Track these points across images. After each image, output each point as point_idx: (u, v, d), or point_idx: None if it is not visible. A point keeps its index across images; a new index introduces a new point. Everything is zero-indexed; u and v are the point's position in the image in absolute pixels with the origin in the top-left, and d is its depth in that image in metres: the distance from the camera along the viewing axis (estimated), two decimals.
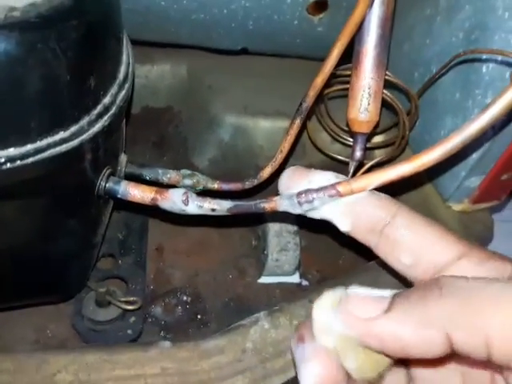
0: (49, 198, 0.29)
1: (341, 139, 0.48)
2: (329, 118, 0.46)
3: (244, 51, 0.57)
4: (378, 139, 0.49)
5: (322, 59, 0.58)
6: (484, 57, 0.40)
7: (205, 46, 0.56)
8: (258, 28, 0.52)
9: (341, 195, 0.32)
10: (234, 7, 0.50)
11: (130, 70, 0.34)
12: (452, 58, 0.37)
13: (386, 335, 0.21)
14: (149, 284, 0.46)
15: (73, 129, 0.27)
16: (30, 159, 0.26)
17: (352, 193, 0.32)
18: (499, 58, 0.37)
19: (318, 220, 0.32)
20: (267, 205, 0.34)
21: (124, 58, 0.34)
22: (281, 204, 0.33)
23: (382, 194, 0.31)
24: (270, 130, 0.52)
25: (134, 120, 0.57)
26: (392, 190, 0.37)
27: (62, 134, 0.27)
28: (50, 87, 0.25)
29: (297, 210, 0.33)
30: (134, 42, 0.54)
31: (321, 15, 0.53)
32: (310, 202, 0.32)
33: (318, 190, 0.32)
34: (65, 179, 0.29)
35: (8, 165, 0.25)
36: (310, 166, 0.56)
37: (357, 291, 0.25)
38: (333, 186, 0.32)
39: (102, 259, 0.45)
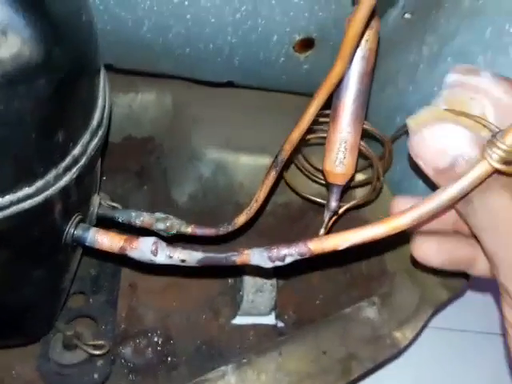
0: (13, 250, 0.28)
1: (317, 179, 0.48)
2: (305, 161, 0.46)
3: (229, 84, 0.57)
4: (357, 177, 0.49)
5: (307, 94, 0.59)
6: None
7: (190, 78, 0.56)
8: (243, 64, 0.52)
9: (312, 253, 0.32)
10: (220, 43, 0.50)
11: (106, 113, 0.33)
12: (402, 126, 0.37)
13: None
14: (120, 323, 0.45)
15: (38, 184, 0.27)
16: None
17: (323, 251, 0.31)
18: None
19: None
20: (238, 258, 0.33)
21: (99, 102, 0.33)
22: (252, 258, 0.33)
23: None
24: (251, 167, 0.52)
25: (116, 149, 0.57)
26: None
27: (26, 190, 0.26)
28: (13, 145, 0.24)
29: (268, 265, 0.33)
30: (118, 71, 0.54)
31: (307, 53, 0.53)
32: (281, 258, 0.32)
33: (289, 247, 0.32)
34: (30, 232, 0.28)
35: None
36: (290, 203, 0.56)
37: None
38: (304, 243, 0.32)
39: (74, 296, 0.44)
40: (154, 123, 0.57)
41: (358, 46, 0.30)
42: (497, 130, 0.27)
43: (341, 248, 0.31)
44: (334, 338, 0.38)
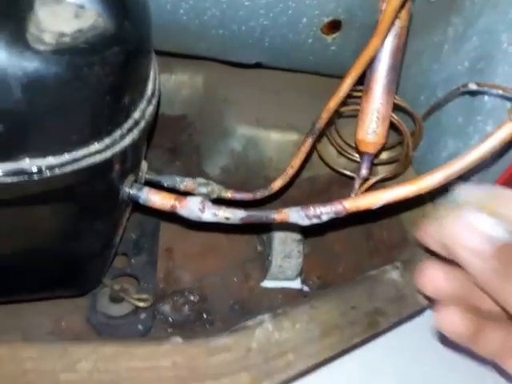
0: (79, 202, 0.32)
1: (347, 154, 0.51)
2: (337, 134, 0.49)
3: (258, 65, 0.59)
4: (383, 156, 0.52)
5: (333, 76, 0.61)
6: (484, 89, 0.42)
7: (221, 59, 0.59)
8: (273, 45, 0.55)
9: (347, 212, 0.35)
10: (253, 24, 0.53)
11: (157, 85, 0.37)
12: (457, 88, 0.40)
13: None
14: (158, 283, 0.49)
15: (106, 141, 0.30)
16: (68, 168, 0.28)
17: (357, 209, 0.34)
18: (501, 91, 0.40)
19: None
20: (277, 216, 0.36)
21: (152, 74, 0.36)
22: (290, 216, 0.36)
23: None
24: (280, 142, 0.55)
25: None
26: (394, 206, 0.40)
27: (96, 146, 0.29)
28: (90, 106, 0.28)
29: (305, 223, 0.36)
30: (155, 52, 0.57)
31: (334, 35, 0.56)
32: (318, 216, 0.35)
33: (325, 206, 0.35)
34: (95, 186, 0.32)
35: (47, 173, 0.28)
36: (316, 177, 0.59)
37: None
38: (340, 202, 0.35)
39: (117, 257, 0.48)
40: (186, 102, 0.60)
41: (394, 22, 0.33)
42: None
43: (375, 207, 0.34)
44: (361, 296, 0.41)
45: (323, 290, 0.42)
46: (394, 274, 0.44)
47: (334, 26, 0.55)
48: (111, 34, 0.27)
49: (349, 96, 0.44)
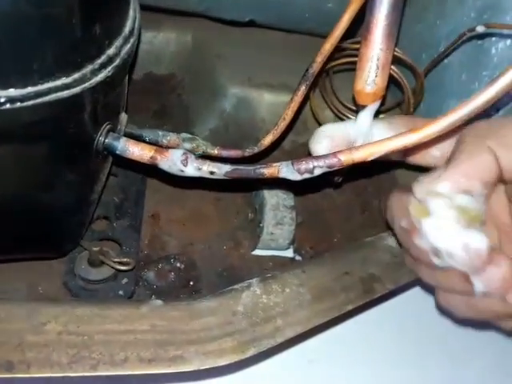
0: (47, 145, 0.29)
1: (343, 116, 0.48)
2: (333, 95, 0.46)
3: (251, 23, 0.56)
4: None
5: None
6: (494, 38, 0.39)
7: (212, 16, 0.55)
8: (267, 0, 0.52)
9: (342, 164, 0.32)
10: None
11: (136, 25, 0.34)
12: (462, 33, 0.37)
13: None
14: (143, 249, 0.46)
15: (75, 75, 0.27)
16: (31, 102, 0.25)
17: (353, 162, 0.32)
18: (509, 41, 0.37)
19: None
20: (267, 170, 0.33)
21: (131, 12, 0.33)
22: (280, 170, 0.33)
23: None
24: (273, 102, 0.52)
25: (137, 86, 0.56)
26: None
27: (64, 80, 0.26)
28: (54, 28, 0.24)
29: (297, 178, 0.33)
30: (141, 7, 0.53)
31: None
32: (310, 170, 0.32)
33: (318, 159, 0.32)
34: (64, 127, 0.29)
35: (7, 105, 0.25)
36: None
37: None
38: (334, 154, 0.32)
39: (97, 221, 0.45)
40: (174, 60, 0.56)
41: None
42: None
43: (371, 158, 0.31)
44: (355, 261, 0.39)
45: (315, 257, 0.39)
46: (390, 241, 0.41)
47: None
48: None
49: (345, 49, 0.41)
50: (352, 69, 0.39)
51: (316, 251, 0.51)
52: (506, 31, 0.37)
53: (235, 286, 0.35)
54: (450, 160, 0.31)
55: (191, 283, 0.45)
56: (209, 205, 0.51)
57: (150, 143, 0.40)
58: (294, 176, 0.33)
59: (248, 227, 0.50)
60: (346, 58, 0.40)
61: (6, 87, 0.25)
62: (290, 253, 0.50)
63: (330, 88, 0.46)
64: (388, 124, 0.36)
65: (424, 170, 0.36)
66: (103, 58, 0.29)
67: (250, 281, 0.35)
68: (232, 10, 0.54)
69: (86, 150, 0.32)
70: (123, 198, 0.47)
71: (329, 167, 0.32)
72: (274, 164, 0.33)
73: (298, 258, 0.50)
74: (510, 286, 0.29)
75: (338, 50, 0.40)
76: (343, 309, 0.35)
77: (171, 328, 0.31)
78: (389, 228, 0.36)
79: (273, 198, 0.49)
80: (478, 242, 0.29)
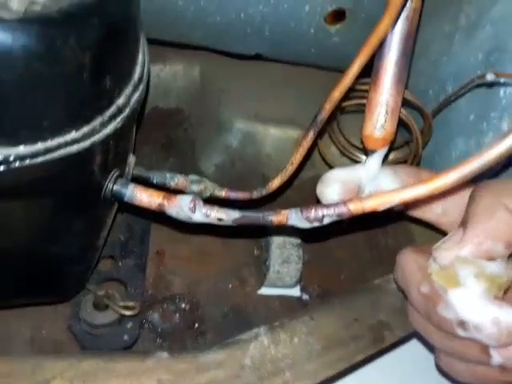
0: (55, 198, 0.29)
1: (350, 154, 0.47)
2: (339, 133, 0.45)
3: (258, 57, 0.56)
4: (389, 157, 0.48)
5: (336, 69, 0.58)
6: (502, 80, 0.39)
7: (219, 49, 0.56)
8: (273, 34, 0.52)
9: (351, 214, 0.31)
10: (252, 12, 0.50)
11: (146, 70, 0.33)
12: (472, 80, 0.37)
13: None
14: (147, 288, 0.45)
15: (85, 129, 0.26)
16: (40, 158, 0.25)
17: (363, 212, 0.31)
18: None
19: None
20: (275, 218, 0.33)
21: (140, 58, 0.33)
22: (289, 218, 0.33)
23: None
24: (279, 138, 0.51)
25: (144, 120, 0.57)
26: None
27: (73, 134, 0.26)
28: (65, 85, 0.24)
29: (306, 226, 0.33)
30: (149, 41, 0.54)
31: (338, 25, 0.53)
32: (319, 219, 0.32)
33: (328, 207, 0.32)
34: (73, 180, 0.28)
35: (17, 163, 0.24)
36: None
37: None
38: (344, 203, 0.31)
39: (103, 260, 0.44)
40: (181, 94, 0.56)
41: (406, 1, 0.30)
42: None
43: (381, 208, 0.31)
44: (364, 307, 0.38)
45: (324, 300, 0.39)
46: None
47: (338, 15, 0.51)
48: (90, 4, 0.24)
49: (353, 90, 0.41)
50: (360, 110, 0.39)
51: (323, 289, 0.50)
52: None
53: (242, 336, 0.34)
54: (465, 221, 0.30)
55: (196, 325, 0.44)
56: (214, 241, 0.50)
57: (157, 185, 0.39)
58: (303, 224, 0.32)
59: (254, 264, 0.50)
60: (354, 100, 0.40)
61: (15, 144, 0.24)
62: (297, 291, 0.49)
63: (336, 127, 0.45)
64: (393, 172, 0.35)
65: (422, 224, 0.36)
66: (113, 108, 0.28)
67: (258, 330, 0.34)
68: (238, 44, 0.54)
69: (93, 199, 0.31)
70: (128, 236, 0.47)
71: (338, 216, 0.31)
72: (283, 211, 0.33)
73: (305, 296, 0.49)
74: None
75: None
76: (353, 360, 0.34)
77: (177, 382, 0.30)
78: (398, 288, 0.35)
79: (279, 236, 0.48)
80: (509, 316, 0.28)
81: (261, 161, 0.52)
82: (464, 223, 0.30)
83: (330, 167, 0.49)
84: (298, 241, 0.48)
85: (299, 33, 0.52)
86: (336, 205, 0.31)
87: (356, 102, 0.40)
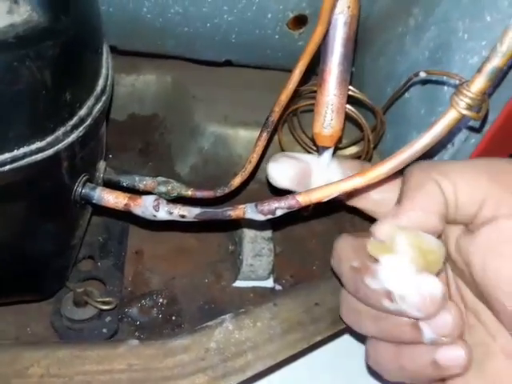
0: (26, 202, 0.31)
1: (312, 151, 0.50)
2: (301, 131, 0.48)
3: (228, 63, 0.59)
4: (345, 152, 0.51)
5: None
6: (434, 78, 0.42)
7: (189, 57, 0.59)
8: (240, 41, 0.55)
9: (300, 205, 0.34)
10: (217, 21, 0.52)
11: (109, 82, 0.36)
12: (409, 78, 0.39)
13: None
14: (127, 286, 0.48)
15: (49, 139, 0.29)
16: (7, 167, 0.28)
17: (311, 202, 0.34)
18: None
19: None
20: (233, 212, 0.36)
21: (103, 71, 0.36)
22: (246, 212, 0.36)
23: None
24: (249, 139, 0.54)
25: (121, 127, 0.59)
26: None
27: (38, 144, 0.29)
28: (26, 102, 0.27)
29: (261, 218, 0.36)
30: (121, 53, 0.57)
31: (301, 30, 0.55)
32: (272, 212, 0.35)
33: (279, 200, 0.34)
34: (41, 185, 0.31)
35: None
36: None
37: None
38: (293, 196, 0.34)
39: (83, 261, 0.47)
40: (156, 101, 0.59)
41: (333, 9, 0.33)
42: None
43: (326, 199, 0.33)
44: (325, 292, 0.41)
45: (288, 289, 0.41)
46: None
47: (300, 20, 0.54)
48: (44, 27, 0.27)
49: (307, 91, 0.44)
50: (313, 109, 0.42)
51: (296, 279, 0.53)
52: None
53: (209, 323, 0.36)
54: (399, 199, 0.32)
55: (173, 318, 0.47)
56: (191, 239, 0.53)
57: (127, 188, 0.42)
58: (258, 217, 0.35)
59: (229, 259, 0.52)
60: (309, 100, 0.43)
61: None
62: (270, 283, 0.52)
63: (298, 125, 0.48)
64: (338, 164, 0.38)
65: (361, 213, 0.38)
66: (75, 119, 0.31)
67: (224, 317, 0.37)
68: (207, 52, 0.57)
69: (63, 202, 0.34)
70: (107, 237, 0.49)
71: (289, 208, 0.34)
72: (240, 206, 0.36)
73: (278, 287, 0.52)
74: (459, 333, 0.29)
75: (297, 93, 0.43)
76: (312, 340, 0.37)
77: (146, 366, 0.33)
78: (334, 274, 0.36)
79: (251, 231, 0.51)
80: (433, 286, 0.28)
81: (232, 161, 0.55)
82: (398, 200, 0.32)
83: None
84: (270, 234, 0.51)
85: (265, 39, 0.55)
86: (286, 198, 0.34)
87: (308, 102, 0.43)
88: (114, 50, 0.55)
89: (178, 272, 0.50)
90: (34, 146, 0.29)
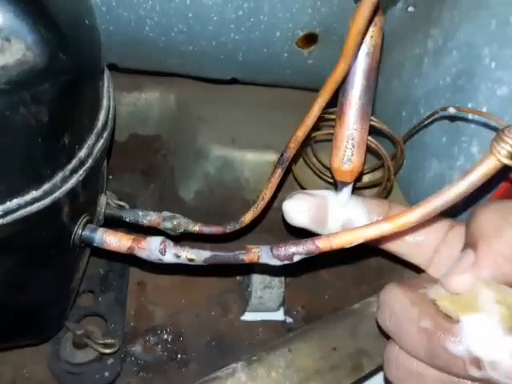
0: (22, 253, 0.29)
1: (324, 176, 0.47)
2: (313, 155, 0.46)
3: (234, 81, 0.56)
4: (365, 179, 0.48)
5: (312, 89, 0.58)
6: (470, 104, 0.39)
7: (194, 76, 0.56)
8: (247, 60, 0.52)
9: (320, 251, 0.32)
10: (223, 39, 0.50)
11: (111, 114, 0.34)
12: (436, 111, 0.37)
13: None
14: (129, 321, 0.45)
15: (45, 187, 0.27)
16: (1, 221, 0.25)
17: (331, 249, 0.31)
18: (484, 109, 0.37)
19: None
20: (246, 257, 0.33)
21: (104, 102, 0.33)
22: (260, 256, 0.33)
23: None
24: (257, 163, 0.52)
25: (123, 147, 0.57)
26: None
27: (33, 194, 0.26)
28: (20, 150, 0.24)
29: (276, 263, 0.33)
30: (122, 70, 0.54)
31: (311, 48, 0.53)
32: (289, 257, 0.32)
33: (297, 245, 0.32)
34: (38, 235, 0.28)
35: None
36: None
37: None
38: (312, 241, 0.32)
39: (83, 295, 0.45)
40: (158, 121, 0.57)
41: (361, 43, 0.30)
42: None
43: (349, 246, 0.31)
44: (343, 334, 0.38)
45: (302, 330, 0.39)
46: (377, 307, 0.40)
47: (310, 39, 0.52)
48: (41, 69, 0.24)
49: (323, 119, 0.41)
50: (330, 139, 0.39)
51: (307, 311, 0.50)
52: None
53: (219, 373, 0.34)
54: (473, 243, 0.28)
55: (179, 356, 0.44)
56: (196, 269, 0.50)
57: (130, 223, 0.40)
58: (274, 262, 0.33)
59: (237, 290, 0.50)
60: (325, 130, 0.40)
61: None
62: (280, 315, 0.49)
63: (311, 151, 0.46)
64: (363, 204, 0.35)
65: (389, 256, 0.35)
66: (74, 162, 0.29)
67: (235, 366, 0.35)
68: (212, 70, 0.55)
69: (62, 248, 0.32)
70: (108, 269, 0.47)
71: (307, 254, 0.32)
72: (253, 249, 0.33)
73: (288, 319, 0.49)
74: None
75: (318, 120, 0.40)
76: None
77: None
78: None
79: None
80: None
81: (240, 186, 0.52)
82: (472, 245, 0.27)
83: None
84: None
85: (273, 57, 0.52)
86: (305, 243, 0.32)
87: (326, 131, 0.40)
88: (114, 67, 0.53)
89: (182, 304, 0.48)
90: (28, 197, 0.26)
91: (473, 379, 0.26)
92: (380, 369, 0.39)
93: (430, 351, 0.26)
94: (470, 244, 0.28)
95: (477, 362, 0.25)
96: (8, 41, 0.24)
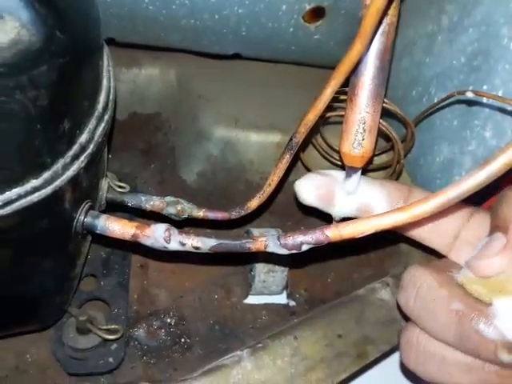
0: (23, 243, 0.28)
1: (335, 160, 0.46)
2: (323, 141, 0.44)
3: (236, 56, 0.54)
4: (375, 161, 0.47)
5: (318, 66, 0.56)
6: (485, 87, 0.38)
7: (196, 51, 0.54)
8: (251, 34, 0.50)
9: (330, 241, 0.31)
10: (226, 13, 0.48)
11: (111, 95, 0.32)
12: (452, 94, 0.35)
13: None
14: (132, 304, 0.45)
15: (46, 175, 0.25)
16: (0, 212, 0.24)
17: (341, 239, 0.30)
18: (500, 92, 0.35)
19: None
20: (253, 245, 0.32)
21: (104, 83, 0.31)
22: (267, 245, 0.32)
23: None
24: (261, 144, 0.50)
25: (122, 126, 0.55)
26: None
27: (33, 183, 0.25)
28: (18, 137, 0.23)
29: (284, 252, 0.32)
30: (120, 45, 0.52)
31: (318, 23, 0.51)
32: (298, 247, 0.31)
33: (305, 234, 0.31)
34: (39, 224, 0.27)
35: None
36: None
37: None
38: (321, 230, 0.31)
39: (85, 279, 0.44)
40: (159, 99, 0.55)
41: (380, 23, 0.28)
42: None
43: (359, 236, 0.30)
44: (348, 321, 0.38)
45: (307, 317, 0.38)
46: (383, 294, 0.40)
47: (317, 13, 0.49)
48: (37, 49, 0.22)
49: (335, 99, 0.40)
50: (341, 121, 0.38)
51: (310, 294, 0.50)
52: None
53: (225, 361, 0.34)
54: (503, 226, 0.27)
55: (182, 340, 0.44)
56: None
57: (132, 208, 0.39)
58: (281, 251, 0.32)
59: (239, 273, 0.49)
60: (334, 111, 0.39)
61: None
62: (283, 299, 0.49)
63: (319, 136, 0.44)
64: (381, 187, 0.34)
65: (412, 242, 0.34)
66: (75, 148, 0.27)
67: (241, 353, 0.34)
68: (215, 45, 0.52)
69: (64, 236, 0.31)
70: (110, 251, 0.46)
71: (316, 243, 0.31)
72: (260, 238, 0.32)
73: (292, 303, 0.49)
74: None
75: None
76: (336, 379, 0.34)
77: None
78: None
79: None
80: None
81: (243, 167, 0.51)
82: (502, 228, 0.27)
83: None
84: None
85: (278, 32, 0.50)
86: (314, 232, 0.31)
87: (337, 113, 0.38)
88: (112, 42, 0.51)
89: (185, 287, 0.47)
90: (28, 186, 0.25)
91: (501, 364, 0.25)
92: (384, 356, 0.39)
93: (460, 334, 0.26)
94: (499, 227, 0.27)
95: (509, 346, 0.24)
96: (1, 18, 0.22)
